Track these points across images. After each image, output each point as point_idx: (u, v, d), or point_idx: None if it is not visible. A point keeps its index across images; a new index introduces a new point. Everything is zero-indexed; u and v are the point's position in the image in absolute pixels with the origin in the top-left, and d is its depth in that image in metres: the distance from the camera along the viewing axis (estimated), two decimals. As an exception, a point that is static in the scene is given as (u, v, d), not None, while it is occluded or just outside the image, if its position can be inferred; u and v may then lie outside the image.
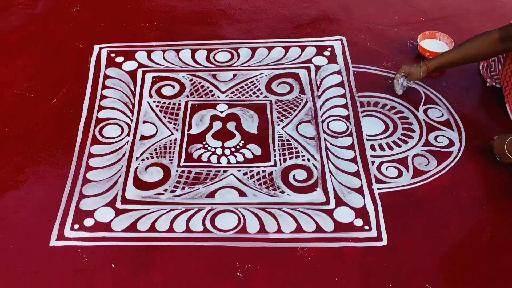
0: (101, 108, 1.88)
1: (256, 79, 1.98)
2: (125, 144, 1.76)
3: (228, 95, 1.92)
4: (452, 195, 1.59)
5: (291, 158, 1.71)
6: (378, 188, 1.61)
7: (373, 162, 1.69)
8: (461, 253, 1.46)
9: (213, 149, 1.74)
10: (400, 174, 1.65)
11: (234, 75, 2.00)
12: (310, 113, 1.86)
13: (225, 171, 1.67)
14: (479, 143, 1.73)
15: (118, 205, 1.58)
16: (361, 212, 1.55)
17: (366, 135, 1.78)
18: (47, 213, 1.56)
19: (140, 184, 1.64)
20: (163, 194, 1.61)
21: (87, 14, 2.30)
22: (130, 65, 2.05)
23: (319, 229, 1.51)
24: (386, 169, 1.67)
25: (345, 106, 1.88)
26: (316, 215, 1.55)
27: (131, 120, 1.84)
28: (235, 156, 1.72)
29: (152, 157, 1.72)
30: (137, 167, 1.69)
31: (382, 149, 1.73)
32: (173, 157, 1.72)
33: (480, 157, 1.69)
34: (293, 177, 1.65)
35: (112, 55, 2.09)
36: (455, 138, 1.76)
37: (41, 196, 1.61)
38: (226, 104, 1.89)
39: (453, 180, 1.63)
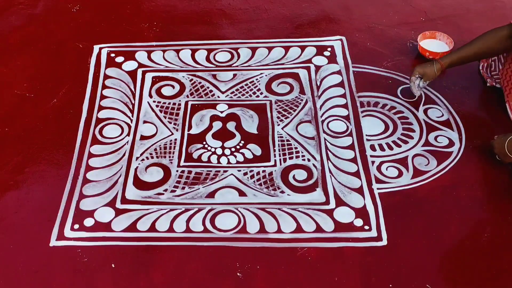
0: (101, 108, 1.88)
1: (256, 79, 1.98)
2: (125, 144, 1.76)
3: (228, 95, 1.92)
4: (452, 195, 1.59)
5: (291, 158, 1.71)
6: (378, 188, 1.61)
7: (373, 162, 1.69)
8: (461, 253, 1.46)
9: (213, 149, 1.74)
10: (400, 174, 1.65)
11: (234, 75, 2.00)
12: (310, 113, 1.86)
13: (225, 171, 1.67)
14: (479, 143, 1.73)
15: (118, 205, 1.58)
16: (361, 212, 1.55)
17: (366, 135, 1.78)
18: (47, 213, 1.56)
19: (140, 184, 1.64)
20: (163, 194, 1.61)
21: (87, 14, 2.30)
22: (130, 65, 2.05)
23: (319, 229, 1.51)
24: (386, 169, 1.67)
25: (345, 106, 1.88)
26: (316, 215, 1.55)
27: (131, 120, 1.84)
28: (235, 156, 1.72)
29: (152, 157, 1.72)
30: (137, 167, 1.69)
31: (382, 149, 1.73)
32: (173, 157, 1.72)
33: (480, 157, 1.69)
34: (293, 177, 1.65)
35: (112, 55, 2.09)
36: (455, 138, 1.76)
37: (41, 196, 1.61)
38: (226, 104, 1.89)
39: (453, 180, 1.63)
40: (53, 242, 1.49)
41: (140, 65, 2.05)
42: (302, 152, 1.73)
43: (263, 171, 1.67)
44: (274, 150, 1.73)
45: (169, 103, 1.90)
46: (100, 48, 2.12)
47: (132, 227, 1.52)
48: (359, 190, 1.61)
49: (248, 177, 1.65)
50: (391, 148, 1.73)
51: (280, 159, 1.71)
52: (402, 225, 1.52)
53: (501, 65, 1.82)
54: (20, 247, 1.48)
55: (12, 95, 1.94)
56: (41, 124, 1.83)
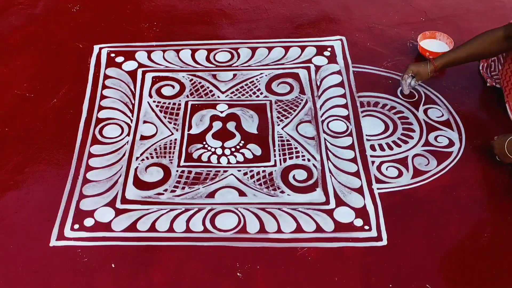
0: (101, 108, 1.88)
1: (256, 79, 1.98)
2: (125, 144, 1.76)
3: (228, 95, 1.92)
4: (452, 195, 1.59)
5: (291, 158, 1.71)
6: (378, 188, 1.61)
7: (373, 162, 1.69)
8: (461, 253, 1.46)
9: (213, 149, 1.74)
10: (400, 174, 1.65)
11: (234, 75, 2.00)
12: (310, 113, 1.86)
13: (225, 171, 1.67)
14: (479, 143, 1.73)
15: (118, 205, 1.58)
16: (361, 212, 1.55)
17: (366, 135, 1.78)
18: (47, 213, 1.56)
19: (140, 184, 1.64)
20: (163, 194, 1.61)
21: (87, 14, 2.30)
22: (130, 65, 2.05)
23: (319, 229, 1.51)
24: (386, 169, 1.67)
25: (345, 106, 1.88)
26: (316, 215, 1.55)
27: (131, 120, 1.84)
28: (235, 156, 1.72)
29: (152, 157, 1.72)
30: (137, 167, 1.69)
31: (382, 149, 1.73)
32: (173, 157, 1.72)
33: (480, 157, 1.69)
34: (293, 177, 1.65)
35: (112, 55, 2.09)
36: (455, 138, 1.76)
37: (41, 196, 1.61)
38: (226, 104, 1.89)
39: (453, 180, 1.63)
40: (53, 242, 1.49)
41: (140, 65, 2.05)
42: (302, 152, 1.73)
43: (263, 171, 1.67)
44: (274, 150, 1.73)
45: (169, 103, 1.90)
46: (100, 48, 2.12)
47: (132, 227, 1.52)
48: (359, 190, 1.61)
49: (248, 177, 1.65)
50: (391, 148, 1.73)
51: (280, 159, 1.71)
52: (402, 225, 1.52)
53: (501, 65, 1.82)
54: (20, 247, 1.48)
55: (12, 95, 1.94)
56: (41, 124, 1.83)
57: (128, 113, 1.87)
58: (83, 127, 1.81)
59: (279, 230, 1.51)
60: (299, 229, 1.51)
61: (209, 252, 1.46)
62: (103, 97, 1.92)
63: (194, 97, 1.92)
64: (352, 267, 1.42)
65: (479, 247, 1.47)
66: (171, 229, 1.52)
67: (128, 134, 1.79)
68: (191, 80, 1.99)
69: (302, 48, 2.11)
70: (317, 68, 2.02)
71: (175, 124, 1.83)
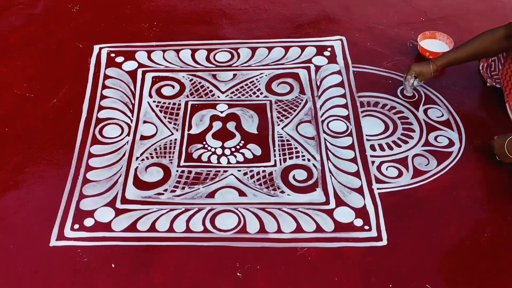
0: (101, 108, 1.88)
1: (256, 79, 1.98)
2: (125, 144, 1.76)
3: (228, 95, 1.92)
4: (452, 195, 1.59)
5: (291, 158, 1.71)
6: (378, 188, 1.61)
7: (373, 162, 1.69)
8: (461, 253, 1.46)
9: (213, 149, 1.74)
10: (400, 174, 1.65)
11: (234, 75, 2.00)
12: (310, 113, 1.86)
13: (225, 171, 1.67)
14: (479, 143, 1.73)
15: (118, 205, 1.58)
16: (361, 212, 1.55)
17: (366, 135, 1.78)
18: (47, 213, 1.56)
19: (140, 184, 1.64)
20: (163, 194, 1.61)
21: (87, 14, 2.30)
22: (130, 65, 2.05)
23: (319, 229, 1.51)
24: (386, 169, 1.67)
25: (345, 106, 1.88)
26: (316, 215, 1.55)
27: (131, 120, 1.84)
28: (235, 156, 1.72)
29: (152, 157, 1.72)
30: (137, 167, 1.69)
31: (382, 149, 1.73)
32: (173, 157, 1.72)
33: (480, 157, 1.69)
34: (293, 177, 1.65)
35: (112, 55, 2.09)
36: (455, 138, 1.76)
37: (41, 196, 1.61)
38: (226, 104, 1.89)
39: (453, 180, 1.63)
40: (53, 242, 1.49)
41: (140, 65, 2.05)
42: (302, 152, 1.73)
43: (263, 171, 1.67)
44: (274, 150, 1.73)
45: (169, 103, 1.90)
46: (100, 48, 2.12)
47: (132, 227, 1.52)
48: (359, 190, 1.61)
49: (248, 177, 1.65)
50: (391, 148, 1.73)
51: (280, 159, 1.70)
52: (402, 225, 1.52)
53: (501, 65, 1.82)
54: (20, 247, 1.48)
55: (12, 95, 1.94)
56: (41, 124, 1.83)
57: (128, 113, 1.87)
58: (83, 127, 1.81)
59: (279, 230, 1.51)
60: (299, 229, 1.51)
61: (209, 252, 1.46)
62: (103, 97, 1.92)
63: (194, 97, 1.92)
64: (352, 267, 1.42)
65: (479, 247, 1.47)
66: (171, 229, 1.52)
67: (128, 134, 1.79)
68: (191, 80, 1.99)
69: (302, 48, 2.11)
70: (317, 68, 2.02)
71: (175, 124, 1.83)
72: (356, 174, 1.65)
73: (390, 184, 1.62)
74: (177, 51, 2.11)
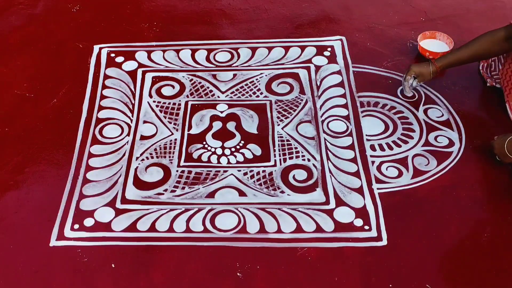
0: (101, 108, 1.88)
1: (256, 79, 1.98)
2: (125, 144, 1.76)
3: (228, 95, 1.92)
4: (452, 195, 1.59)
5: (291, 158, 1.71)
6: (378, 188, 1.61)
7: (373, 162, 1.69)
8: (461, 253, 1.46)
9: (213, 149, 1.74)
10: (400, 174, 1.65)
11: (234, 75, 2.00)
12: (310, 113, 1.86)
13: (225, 171, 1.67)
14: (479, 143, 1.73)
15: (118, 205, 1.58)
16: (361, 212, 1.55)
17: (366, 135, 1.78)
18: (47, 213, 1.56)
19: (140, 184, 1.64)
20: (163, 194, 1.61)
21: (87, 14, 2.30)
22: (130, 65, 2.05)
23: (319, 229, 1.51)
24: (386, 169, 1.67)
25: (345, 106, 1.88)
26: (316, 215, 1.55)
27: (131, 120, 1.84)
28: (235, 156, 1.72)
29: (152, 157, 1.72)
30: (137, 167, 1.69)
31: (382, 149, 1.73)
32: (173, 157, 1.72)
33: (480, 157, 1.69)
34: (293, 177, 1.65)
35: (112, 55, 2.09)
36: (455, 138, 1.76)
37: (41, 196, 1.61)
38: (226, 104, 1.89)
39: (453, 180, 1.63)
40: (53, 242, 1.49)
41: (140, 65, 2.05)
42: (302, 152, 1.73)
43: (263, 171, 1.67)
44: (274, 150, 1.73)
45: (169, 103, 1.90)
46: (100, 48, 2.12)
47: (132, 227, 1.52)
48: (359, 190, 1.61)
49: (248, 177, 1.65)
50: (391, 148, 1.73)
51: (280, 159, 1.71)
52: (402, 225, 1.52)
53: (501, 65, 1.82)
54: (20, 247, 1.48)
55: (12, 95, 1.94)
56: (41, 124, 1.83)
57: (128, 113, 1.87)
58: (83, 127, 1.81)
59: (279, 230, 1.51)
60: (299, 229, 1.51)
61: (209, 252, 1.46)
62: (103, 97, 1.92)
63: (194, 97, 1.92)
64: (352, 267, 1.42)
65: (479, 247, 1.47)
66: (171, 229, 1.52)
67: (128, 134, 1.79)
68: (191, 80, 1.99)
69: (302, 48, 2.11)
70: (317, 68, 2.02)
71: (175, 124, 1.83)
72: (356, 174, 1.65)
73: (390, 184, 1.62)
74: (177, 51, 2.11)
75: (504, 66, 1.79)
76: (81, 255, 1.46)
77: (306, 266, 1.43)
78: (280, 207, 1.57)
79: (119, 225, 1.53)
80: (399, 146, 1.74)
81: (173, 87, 1.96)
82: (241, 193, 1.61)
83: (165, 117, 1.85)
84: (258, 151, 1.73)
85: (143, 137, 1.78)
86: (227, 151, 1.73)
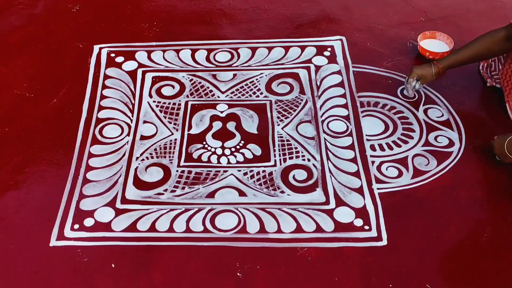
0: (101, 108, 1.88)
1: (256, 79, 1.98)
2: (125, 144, 1.76)
3: (228, 95, 1.92)
4: (452, 195, 1.59)
5: (291, 158, 1.71)
6: (378, 188, 1.61)
7: (373, 162, 1.69)
8: (461, 253, 1.46)
9: (213, 149, 1.74)
10: (400, 174, 1.65)
11: (234, 75, 2.00)
12: (310, 113, 1.86)
13: (225, 171, 1.67)
14: (479, 143, 1.73)
15: (118, 205, 1.58)
16: (361, 212, 1.55)
17: (366, 135, 1.78)
18: (47, 213, 1.56)
19: (140, 184, 1.64)
20: (163, 194, 1.61)
21: (87, 14, 2.30)
22: (130, 65, 2.05)
23: (319, 229, 1.51)
24: (386, 169, 1.67)
25: (345, 106, 1.88)
26: (316, 215, 1.55)
27: (131, 120, 1.84)
28: (235, 156, 1.72)
29: (152, 157, 1.72)
30: (137, 167, 1.69)
31: (382, 149, 1.73)
32: (173, 157, 1.72)
33: (480, 157, 1.69)
34: (293, 177, 1.65)
35: (112, 55, 2.09)
36: (455, 138, 1.76)
37: (41, 196, 1.61)
38: (226, 104, 1.89)
39: (453, 180, 1.63)
40: (53, 242, 1.49)
41: (140, 65, 2.05)
42: (302, 152, 1.73)
43: (263, 171, 1.67)
44: (274, 150, 1.73)
45: (169, 103, 1.90)
46: (100, 48, 2.12)
47: (132, 227, 1.52)
48: (359, 190, 1.61)
49: (248, 177, 1.65)
50: (391, 148, 1.73)
51: (280, 159, 1.71)
52: (402, 225, 1.52)
53: (501, 65, 1.82)
54: (20, 247, 1.48)
55: (12, 95, 1.94)
56: (41, 124, 1.83)
57: (128, 113, 1.87)
58: (83, 127, 1.81)
59: (279, 230, 1.51)
60: (299, 229, 1.51)
61: (209, 252, 1.46)
62: (103, 97, 1.92)
63: (194, 97, 1.92)
64: (352, 267, 1.42)
65: (479, 247, 1.47)
66: (171, 229, 1.52)
67: (128, 134, 1.79)
68: (191, 80, 1.99)
69: (302, 48, 2.11)
70: (317, 68, 2.02)
71: (175, 124, 1.83)
72: (356, 174, 1.65)
73: (390, 184, 1.62)
74: (177, 51, 2.11)
75: (504, 66, 1.79)
76: (81, 255, 1.46)
77: (306, 266, 1.43)
78: (280, 207, 1.57)
79: (119, 225, 1.53)
80: (399, 146, 1.74)
81: (173, 87, 1.96)
82: (241, 193, 1.61)
83: (165, 117, 1.85)
84: (258, 151, 1.73)
85: (143, 137, 1.78)
86: (227, 151, 1.73)
